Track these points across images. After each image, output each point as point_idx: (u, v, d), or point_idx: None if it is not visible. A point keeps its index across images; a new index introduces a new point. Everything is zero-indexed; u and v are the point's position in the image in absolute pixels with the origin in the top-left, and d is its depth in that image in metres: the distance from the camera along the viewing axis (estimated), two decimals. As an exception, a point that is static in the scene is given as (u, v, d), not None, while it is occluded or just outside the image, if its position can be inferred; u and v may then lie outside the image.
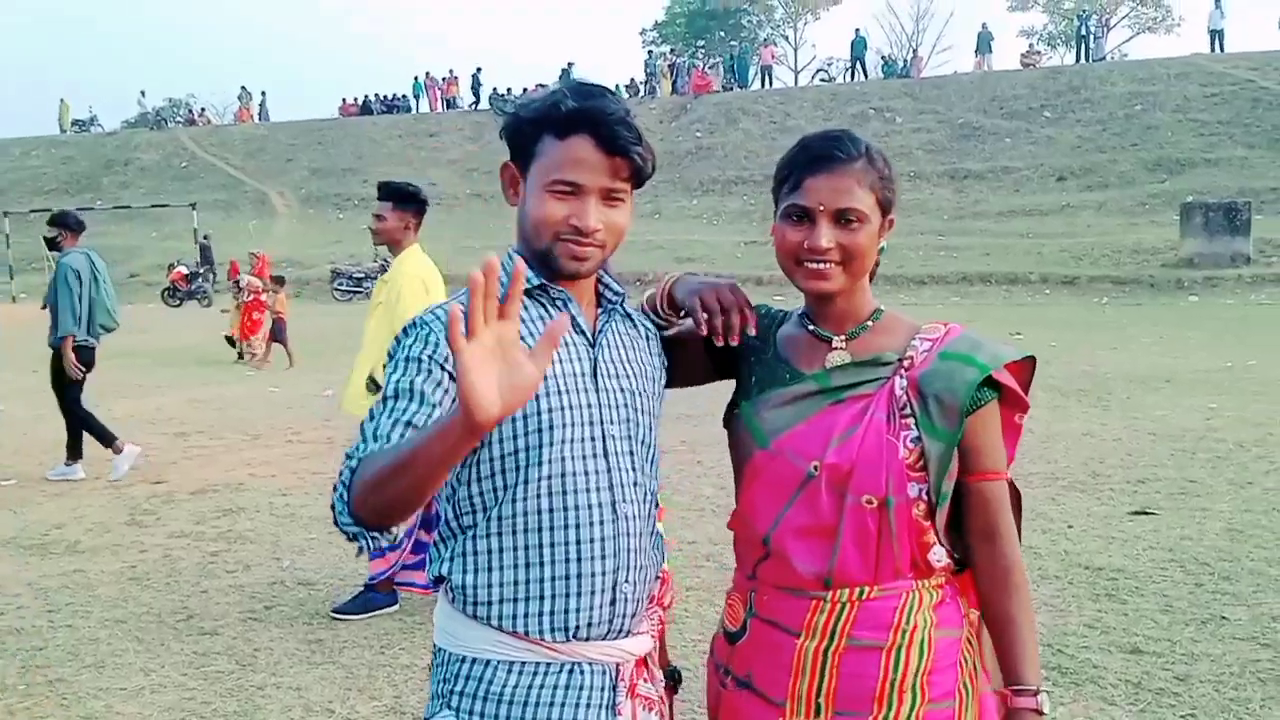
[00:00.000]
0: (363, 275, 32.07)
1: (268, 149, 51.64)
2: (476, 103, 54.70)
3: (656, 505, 2.09)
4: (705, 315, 2.03)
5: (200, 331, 21.46)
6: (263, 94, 59.44)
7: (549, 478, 1.87)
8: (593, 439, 1.91)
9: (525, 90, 55.22)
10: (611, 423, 1.94)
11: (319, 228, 42.56)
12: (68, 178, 49.76)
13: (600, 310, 2.05)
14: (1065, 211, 33.69)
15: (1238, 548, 6.32)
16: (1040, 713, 1.96)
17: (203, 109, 64.07)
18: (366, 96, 57.03)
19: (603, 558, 1.89)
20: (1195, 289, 24.61)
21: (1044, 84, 44.70)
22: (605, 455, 1.92)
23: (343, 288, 32.10)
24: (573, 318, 1.96)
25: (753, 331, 2.05)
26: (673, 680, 2.16)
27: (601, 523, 1.89)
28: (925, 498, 1.96)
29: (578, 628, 1.88)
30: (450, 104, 55.39)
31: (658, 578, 2.04)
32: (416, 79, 56.85)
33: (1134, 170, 36.31)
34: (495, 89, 55.04)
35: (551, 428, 1.87)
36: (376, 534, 1.73)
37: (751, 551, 2.04)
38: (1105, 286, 25.82)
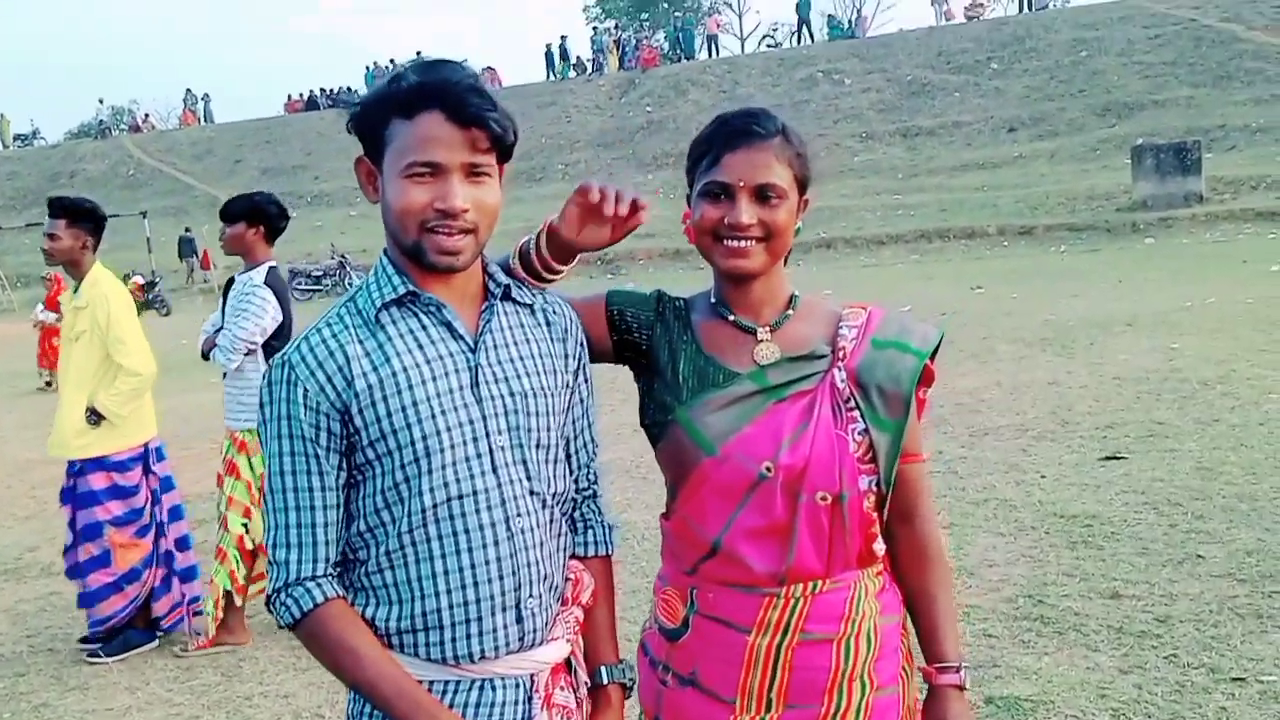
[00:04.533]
0: (321, 273, 31.78)
1: (215, 151, 51.04)
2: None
3: (570, 503, 2.01)
4: (595, 199, 1.92)
5: (161, 340, 21.18)
6: (206, 96, 58.73)
7: (435, 505, 1.78)
8: (478, 456, 1.81)
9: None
10: (499, 433, 1.83)
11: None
12: (14, 193, 48.98)
13: (485, 305, 1.90)
14: (1018, 162, 33.83)
15: (1208, 485, 6.40)
16: (962, 688, 2.01)
17: (146, 115, 63.25)
18: (313, 92, 56.40)
19: (501, 578, 1.81)
20: (1151, 231, 24.79)
21: (990, 36, 44.81)
22: (494, 470, 1.82)
23: (302, 286, 31.77)
24: (448, 324, 1.84)
25: (642, 216, 1.97)
26: (624, 685, 2.04)
27: (496, 543, 1.80)
28: (875, 489, 1.97)
29: (483, 651, 1.82)
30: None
31: (567, 579, 1.96)
32: (369, 69, 56.26)
33: (1083, 117, 36.48)
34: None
35: (429, 454, 1.77)
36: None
37: (694, 551, 2.00)
38: (1062, 234, 25.97)
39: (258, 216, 5.38)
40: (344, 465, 1.79)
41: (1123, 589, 5.00)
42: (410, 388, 1.78)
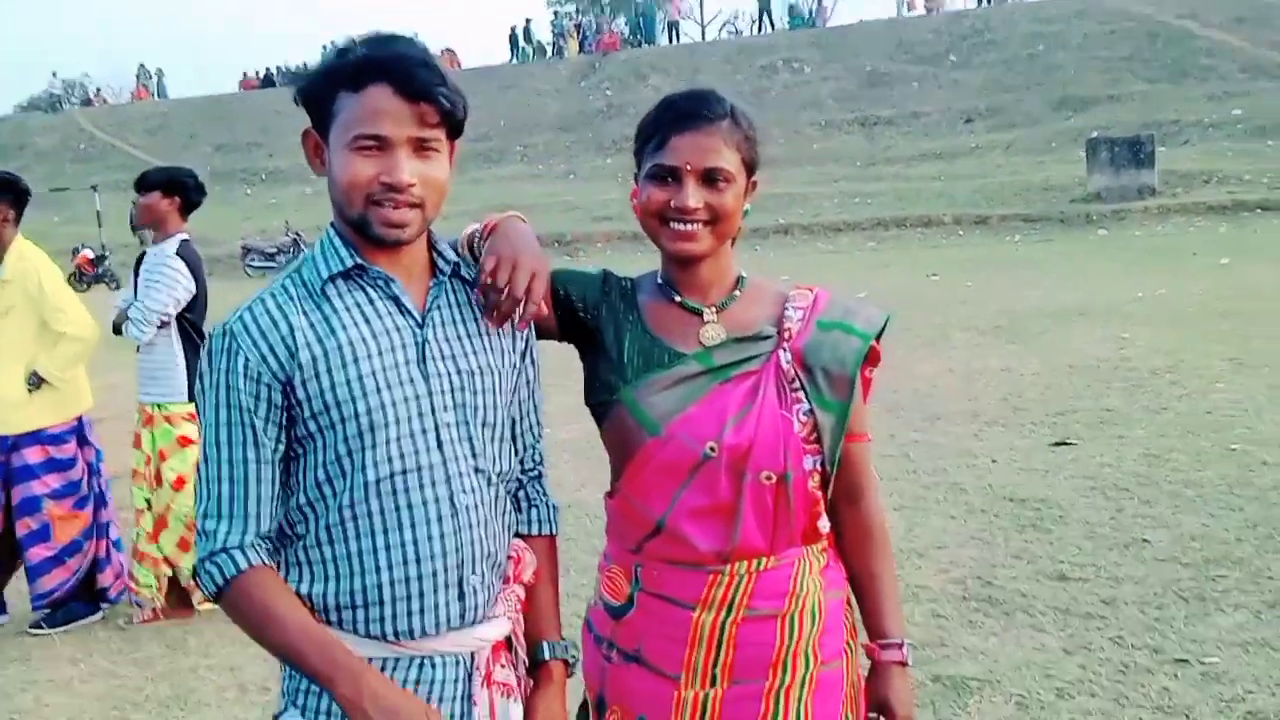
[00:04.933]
0: (275, 250, 31.47)
1: (169, 127, 50.36)
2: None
3: (514, 483, 1.99)
4: (487, 282, 1.85)
5: (110, 313, 20.92)
6: (159, 71, 57.95)
7: (378, 480, 1.76)
8: (424, 432, 1.79)
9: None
10: (445, 410, 1.81)
11: (228, 204, 41.69)
12: (-39, 165, 48.14)
13: (432, 281, 1.87)
14: (975, 153, 34.05)
15: (1155, 472, 6.48)
16: (905, 664, 2.03)
17: (98, 89, 62.25)
18: (269, 69, 55.74)
19: (443, 554, 1.79)
20: (1104, 223, 25.04)
21: (949, 28, 45.04)
22: (439, 447, 1.80)
23: (255, 263, 31.44)
24: (396, 299, 1.81)
25: (540, 311, 1.92)
26: (566, 661, 2.00)
27: (440, 519, 1.78)
28: (819, 468, 1.99)
29: (424, 627, 1.80)
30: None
31: (510, 557, 1.94)
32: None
33: (1039, 109, 36.77)
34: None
35: (374, 428, 1.75)
36: None
37: (639, 530, 1.99)
38: (1017, 224, 26.18)
39: (174, 188, 5.29)
40: (282, 438, 1.76)
41: (1069, 571, 5.06)
42: (356, 361, 1.75)
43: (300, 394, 1.74)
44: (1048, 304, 13.59)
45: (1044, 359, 10.30)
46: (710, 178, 1.92)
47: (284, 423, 1.76)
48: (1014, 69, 40.16)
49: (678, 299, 2.02)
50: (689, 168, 1.92)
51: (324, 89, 1.77)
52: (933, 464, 7.05)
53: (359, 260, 1.79)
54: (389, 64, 1.72)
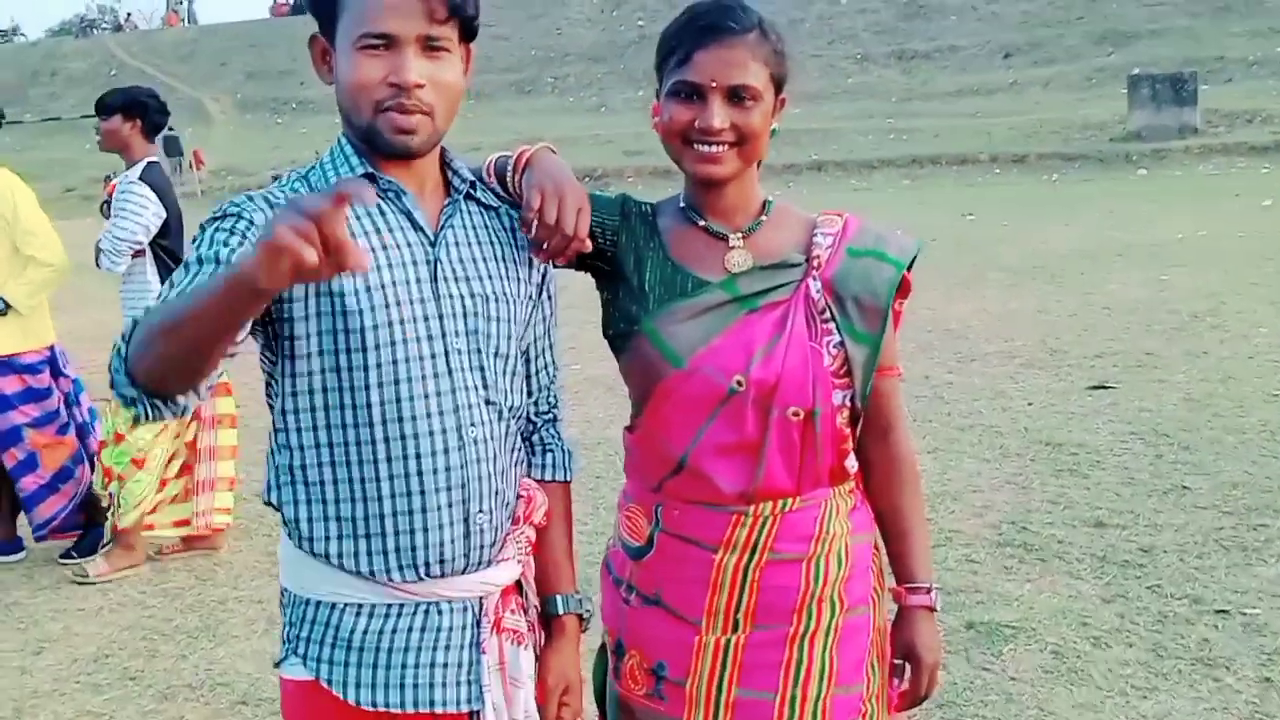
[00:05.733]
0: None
1: (199, 54, 50.22)
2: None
3: (526, 422, 1.90)
4: (534, 218, 1.77)
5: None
6: (190, -4, 57.68)
7: (383, 403, 1.65)
8: (432, 355, 1.68)
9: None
10: (456, 334, 1.70)
11: (257, 133, 41.65)
12: (-8, 90, 48.22)
13: (447, 201, 1.77)
14: (1013, 89, 33.54)
15: (1196, 417, 6.36)
16: (933, 609, 1.95)
17: (129, 14, 62.07)
18: (300, -5, 55.43)
19: (448, 489, 1.68)
20: (1144, 162, 24.65)
21: (989, -41, 44.16)
22: (449, 373, 1.69)
23: (286, 194, 31.53)
24: (408, 213, 1.70)
25: (585, 247, 1.83)
26: (580, 615, 1.93)
27: (446, 450, 1.68)
28: (849, 404, 1.89)
29: (428, 564, 1.69)
30: None
31: (519, 496, 1.83)
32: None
33: (1080, 44, 36.13)
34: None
35: (379, 345, 1.64)
36: (159, 403, 1.47)
37: (660, 467, 1.91)
38: (1055, 163, 25.81)
39: (135, 109, 5.10)
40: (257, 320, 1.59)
41: (1107, 518, 4.97)
42: (365, 272, 1.63)
43: (300, 289, 1.62)
44: (1086, 245, 13.39)
45: (1081, 300, 10.14)
46: (737, 95, 1.80)
47: (266, 315, 1.63)
48: (1054, 3, 39.40)
49: (701, 223, 1.91)
50: (714, 84, 1.79)
51: None
52: (967, 406, 6.95)
53: (369, 169, 1.69)
54: None
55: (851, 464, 1.95)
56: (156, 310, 1.43)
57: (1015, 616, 4.10)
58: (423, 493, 1.68)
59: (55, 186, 31.48)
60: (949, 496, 5.34)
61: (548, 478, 1.92)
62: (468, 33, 1.70)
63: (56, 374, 5.26)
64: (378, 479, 1.67)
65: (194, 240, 1.62)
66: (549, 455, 1.94)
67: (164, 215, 5.00)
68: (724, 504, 1.86)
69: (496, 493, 1.75)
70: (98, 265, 5.03)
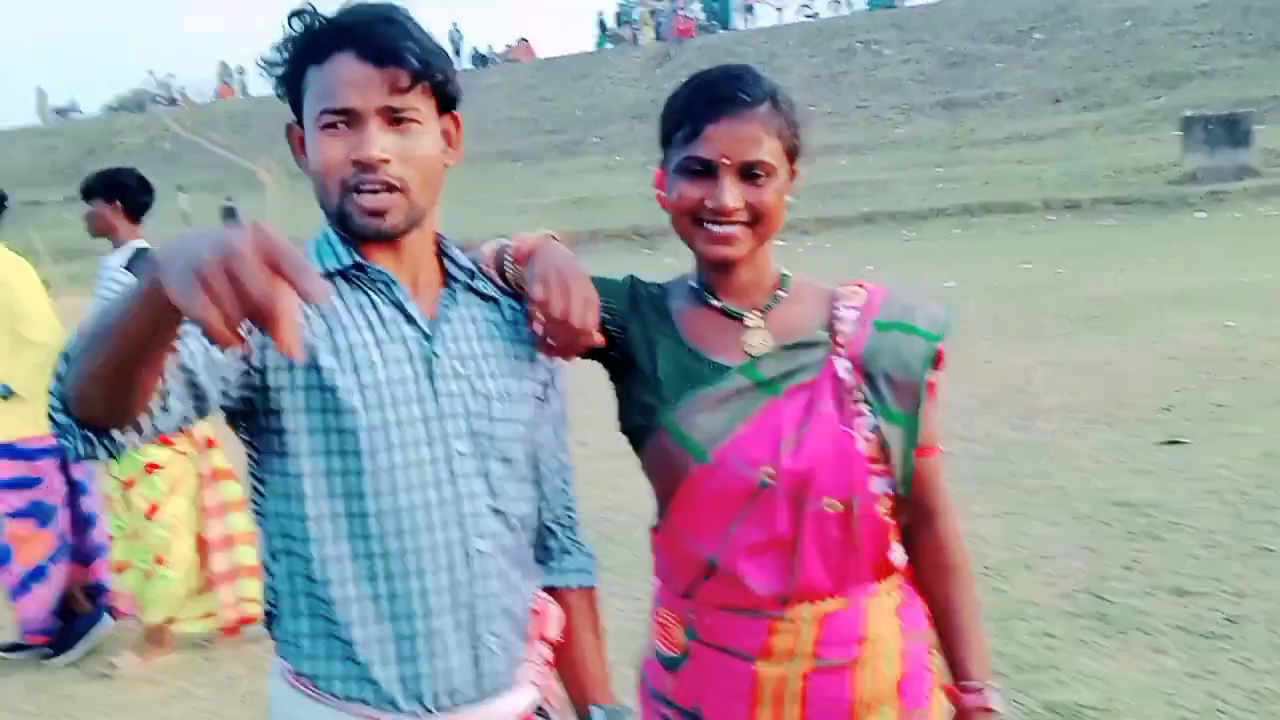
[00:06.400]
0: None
1: (252, 125, 51.08)
2: (459, 60, 54.18)
3: (537, 532, 1.74)
4: (539, 313, 1.65)
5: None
6: (241, 69, 58.92)
7: (380, 513, 1.50)
8: (433, 461, 1.54)
9: (508, 46, 54.69)
10: (458, 437, 1.56)
11: (308, 201, 42.09)
12: (52, 167, 49.32)
13: (444, 291, 1.65)
14: (1063, 134, 33.24)
15: (1275, 473, 6.09)
16: (989, 710, 1.78)
17: (183, 89, 63.45)
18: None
19: (454, 608, 1.54)
20: (1201, 204, 24.21)
21: (1032, 6, 44.04)
22: (452, 480, 1.55)
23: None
24: (399, 304, 1.58)
25: (595, 341, 1.70)
26: None
27: (450, 567, 1.54)
28: (888, 491, 1.74)
29: (436, 695, 1.54)
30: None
31: (532, 611, 1.68)
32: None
33: (1129, 87, 35.83)
34: (475, 48, 54.46)
35: (375, 450, 1.50)
36: (91, 436, 1.30)
37: (689, 570, 1.77)
38: (1109, 208, 25.44)
39: (115, 191, 4.92)
40: (222, 382, 1.43)
41: (1188, 585, 4.74)
42: (357, 369, 1.52)
43: (288, 378, 1.50)
44: (1146, 290, 13.09)
45: (1145, 349, 9.87)
46: (750, 171, 1.69)
47: (240, 382, 1.47)
48: (1100, 46, 39.21)
49: (716, 304, 1.79)
50: (726, 161, 1.68)
51: (295, 70, 1.56)
52: (1032, 465, 6.72)
53: (357, 257, 1.57)
54: (350, 26, 1.51)
55: (897, 556, 1.80)
56: (81, 331, 1.28)
57: (1097, 697, 3.89)
58: (426, 614, 1.53)
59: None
60: (1019, 564, 5.13)
61: (570, 584, 1.79)
62: (445, 101, 1.59)
63: (68, 459, 5.08)
64: (376, 597, 1.52)
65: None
66: (567, 559, 1.81)
67: None
68: (760, 609, 1.72)
69: (507, 611, 1.61)
70: None
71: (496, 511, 1.60)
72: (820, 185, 28.26)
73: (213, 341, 1.01)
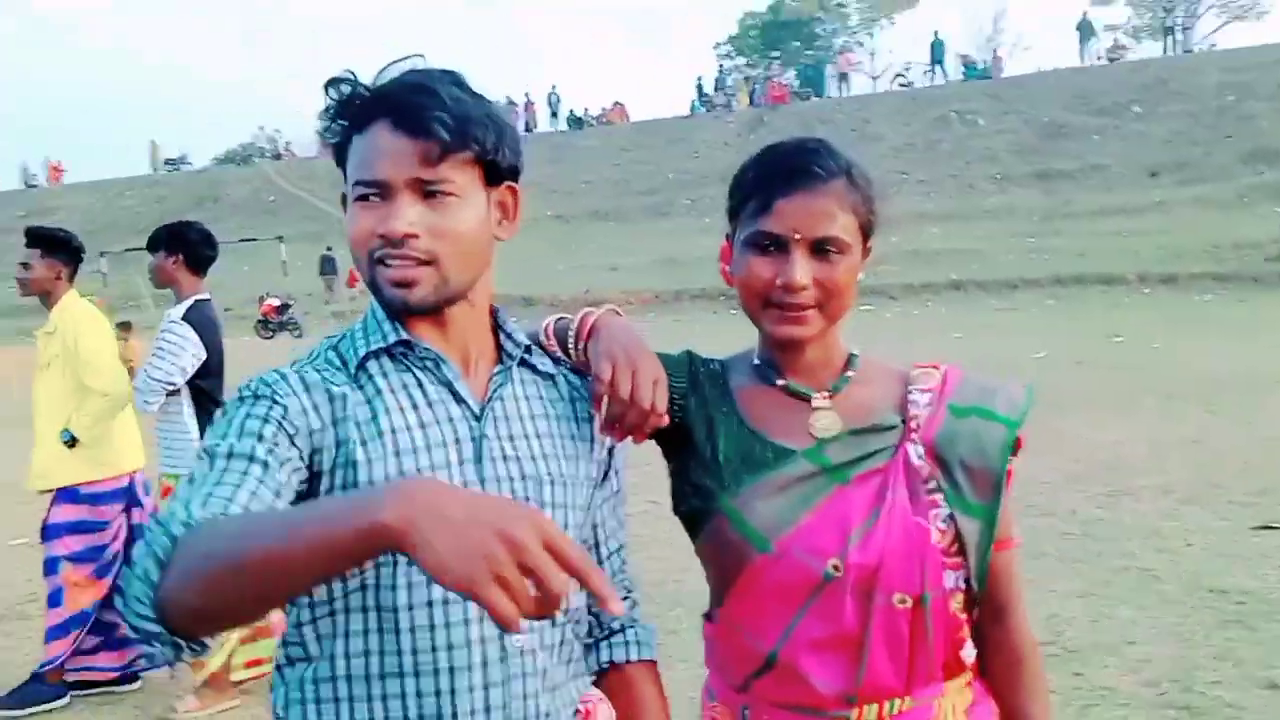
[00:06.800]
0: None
1: (351, 180, 52.36)
2: (555, 122, 54.93)
3: (584, 624, 1.63)
4: (604, 396, 1.59)
5: (280, 360, 21.59)
6: (345, 125, 60.37)
7: (411, 607, 1.40)
8: None
9: (603, 109, 55.41)
10: None
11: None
12: (160, 216, 50.49)
13: (497, 368, 1.57)
14: (1160, 208, 32.63)
15: (1377, 565, 5.85)
16: None
17: (288, 143, 65.20)
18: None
19: (486, 710, 1.42)
20: (1303, 282, 23.59)
21: (1130, 78, 43.55)
22: None
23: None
24: (448, 383, 1.50)
25: (663, 422, 1.65)
26: None
27: (485, 665, 1.42)
28: (962, 586, 1.66)
29: None
30: (527, 127, 55.68)
31: (576, 713, 1.55)
32: (509, 99, 57.21)
33: (1230, 162, 35.11)
34: (571, 110, 55.24)
35: None
36: (182, 643, 1.21)
37: (746, 664, 1.67)
38: (1207, 283, 24.88)
39: (176, 244, 5.06)
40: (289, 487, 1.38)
41: (1281, 679, 4.55)
42: (399, 454, 1.43)
43: (328, 481, 1.42)
44: (1244, 369, 12.73)
45: (1241, 430, 9.58)
46: (822, 248, 1.62)
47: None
48: (1201, 120, 38.52)
49: (780, 383, 1.72)
50: (798, 237, 1.61)
51: (343, 138, 1.51)
52: (1119, 546, 6.52)
53: (405, 335, 1.50)
54: (385, 95, 1.46)
55: (968, 653, 1.71)
56: (206, 533, 1.18)
57: (1181, 792, 3.73)
58: (455, 716, 1.41)
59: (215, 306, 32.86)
60: (1101, 648, 4.96)
61: (631, 656, 1.69)
62: (492, 174, 1.51)
63: (134, 504, 5.23)
64: (403, 696, 1.40)
65: (219, 423, 1.42)
66: (629, 632, 1.71)
67: (203, 356, 4.94)
68: (822, 709, 1.62)
69: (546, 715, 1.48)
70: (134, 404, 5.02)
71: None
72: (910, 252, 28.05)
73: (498, 623, 1.02)
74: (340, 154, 1.52)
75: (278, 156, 61.94)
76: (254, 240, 39.41)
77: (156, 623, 1.18)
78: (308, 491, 1.41)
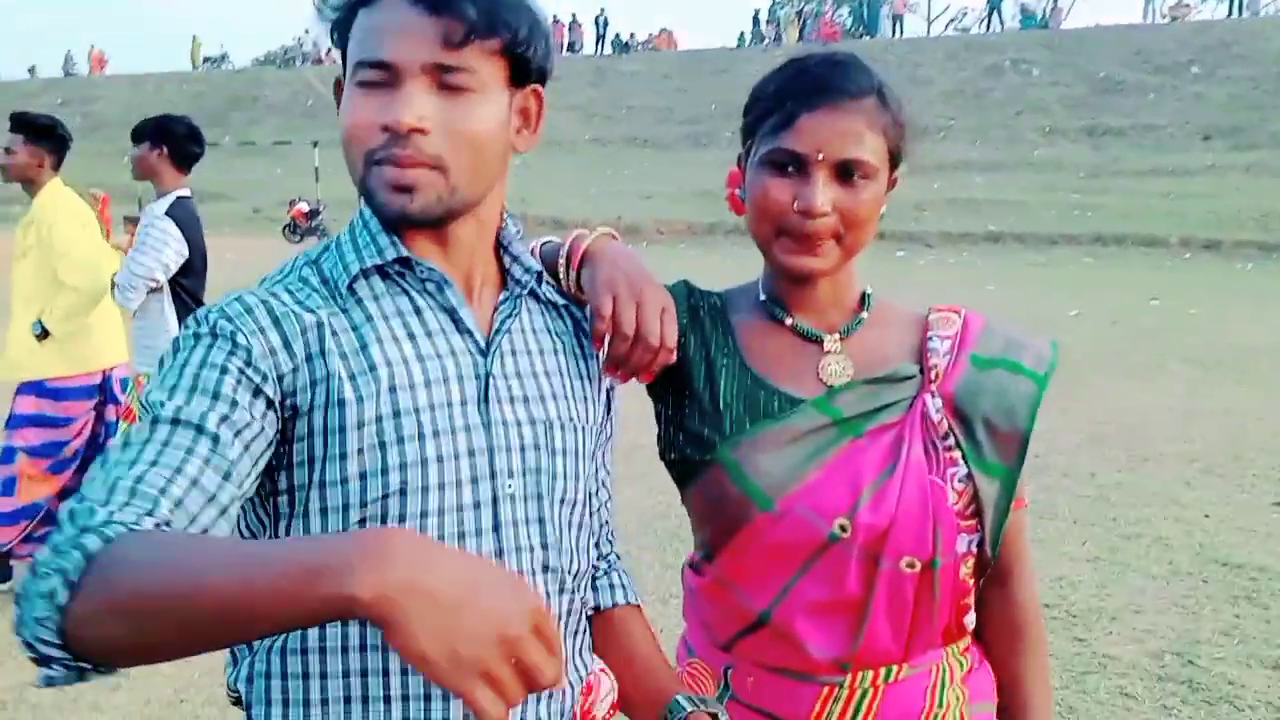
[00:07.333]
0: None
1: (393, 89, 52.05)
2: (601, 45, 54.22)
3: (592, 590, 1.49)
4: (607, 333, 1.43)
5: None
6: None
7: None
8: (477, 505, 1.24)
9: (650, 35, 54.62)
10: (510, 475, 1.27)
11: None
12: (197, 113, 50.51)
13: (504, 296, 1.36)
14: (1211, 171, 31.93)
15: (1401, 550, 5.63)
16: None
17: (328, 49, 64.69)
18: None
19: None
20: (1350, 257, 23.06)
21: (1193, 39, 42.45)
22: (495, 529, 1.26)
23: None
24: (450, 310, 1.30)
25: (672, 358, 1.48)
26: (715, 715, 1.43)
27: None
28: (974, 551, 1.50)
29: None
30: (572, 47, 54.87)
31: (583, 679, 1.40)
32: (556, 16, 56.51)
33: (1287, 131, 34.30)
34: (619, 34, 54.49)
35: (406, 492, 1.20)
36: (88, 669, 0.98)
37: (733, 622, 1.53)
38: (1251, 252, 24.33)
39: (162, 137, 4.87)
40: (253, 483, 1.18)
41: (1289, 660, 4.37)
42: (394, 390, 1.23)
43: (306, 423, 1.21)
44: (1280, 341, 12.42)
45: (1273, 403, 9.30)
46: (846, 170, 1.44)
47: (270, 463, 1.21)
48: (1262, 86, 37.55)
49: (788, 321, 1.55)
50: (821, 156, 1.42)
51: (342, 9, 1.27)
52: (1136, 512, 6.32)
53: (404, 252, 1.28)
54: None
55: (971, 620, 1.56)
56: (133, 559, 0.95)
57: (1173, 770, 3.57)
58: (450, 695, 1.23)
59: (245, 207, 32.78)
60: (1105, 615, 4.79)
61: (617, 600, 1.52)
62: (521, 70, 1.29)
63: (108, 400, 5.13)
64: (384, 673, 1.23)
65: (169, 366, 1.19)
66: (612, 575, 1.55)
67: (186, 253, 4.81)
68: (814, 673, 1.49)
69: (551, 692, 1.32)
70: (113, 299, 4.89)
71: (547, 569, 1.33)
72: (951, 200, 27.63)
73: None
74: (343, 33, 1.29)
75: (319, 61, 61.58)
76: (288, 143, 39.29)
77: (61, 650, 0.96)
78: (284, 436, 1.21)
